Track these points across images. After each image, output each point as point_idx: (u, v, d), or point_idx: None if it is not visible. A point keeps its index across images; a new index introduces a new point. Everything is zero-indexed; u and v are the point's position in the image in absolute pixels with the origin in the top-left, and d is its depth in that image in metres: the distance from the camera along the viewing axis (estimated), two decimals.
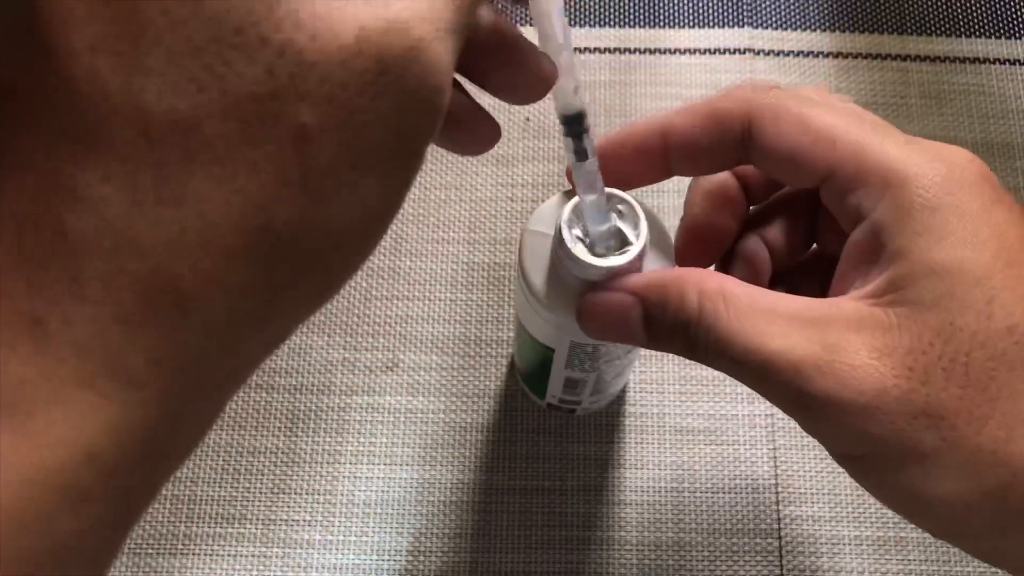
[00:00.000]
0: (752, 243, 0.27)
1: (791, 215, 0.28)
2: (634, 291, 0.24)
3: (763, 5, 0.47)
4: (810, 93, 0.24)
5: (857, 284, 0.22)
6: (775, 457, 0.38)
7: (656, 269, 0.25)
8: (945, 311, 0.20)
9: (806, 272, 0.29)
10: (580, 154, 0.23)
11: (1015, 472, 0.19)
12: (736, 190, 0.27)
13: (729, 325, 0.22)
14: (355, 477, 0.38)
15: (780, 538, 0.37)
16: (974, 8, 0.47)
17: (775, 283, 0.27)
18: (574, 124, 0.23)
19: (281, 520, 0.37)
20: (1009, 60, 0.45)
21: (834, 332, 0.21)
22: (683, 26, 0.46)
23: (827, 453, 0.22)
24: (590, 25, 0.46)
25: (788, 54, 0.46)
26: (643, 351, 0.39)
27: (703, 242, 0.27)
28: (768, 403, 0.24)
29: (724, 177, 0.27)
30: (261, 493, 0.38)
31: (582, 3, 0.47)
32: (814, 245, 0.28)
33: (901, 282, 0.21)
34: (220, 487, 0.38)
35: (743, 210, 0.27)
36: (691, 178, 0.28)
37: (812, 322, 0.21)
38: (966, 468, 0.19)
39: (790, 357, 0.20)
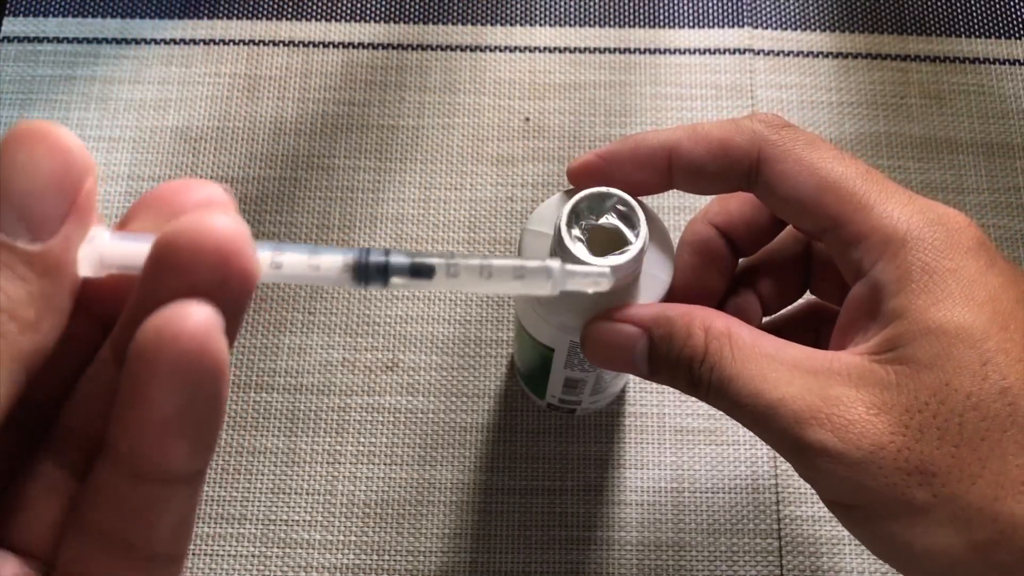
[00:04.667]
0: (741, 300, 0.28)
1: (782, 267, 0.28)
2: (641, 323, 0.24)
3: (763, 5, 0.47)
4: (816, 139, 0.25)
5: (857, 339, 0.23)
6: (775, 457, 0.38)
7: (662, 303, 0.25)
8: (941, 371, 0.21)
9: (798, 325, 0.30)
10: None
11: (1002, 528, 0.20)
12: (722, 248, 0.28)
13: (733, 367, 0.22)
14: (355, 477, 0.38)
15: (780, 538, 0.37)
16: (974, 8, 0.47)
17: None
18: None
19: (281, 520, 0.37)
20: (1009, 60, 0.45)
21: (834, 385, 0.21)
22: (683, 26, 0.46)
23: None
24: (590, 25, 0.46)
25: (788, 54, 0.46)
26: None
27: (691, 301, 0.28)
28: None
29: (710, 234, 0.28)
30: (261, 493, 0.38)
31: (582, 3, 0.47)
32: (806, 294, 0.29)
33: (899, 340, 0.21)
34: (220, 487, 0.38)
35: (729, 267, 0.28)
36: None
37: (813, 373, 0.22)
38: (956, 523, 0.20)
39: (791, 406, 0.21)
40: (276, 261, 0.16)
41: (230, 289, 0.14)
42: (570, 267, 0.19)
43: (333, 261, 0.17)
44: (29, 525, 0.15)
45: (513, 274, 0.18)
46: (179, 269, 0.14)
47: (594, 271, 0.20)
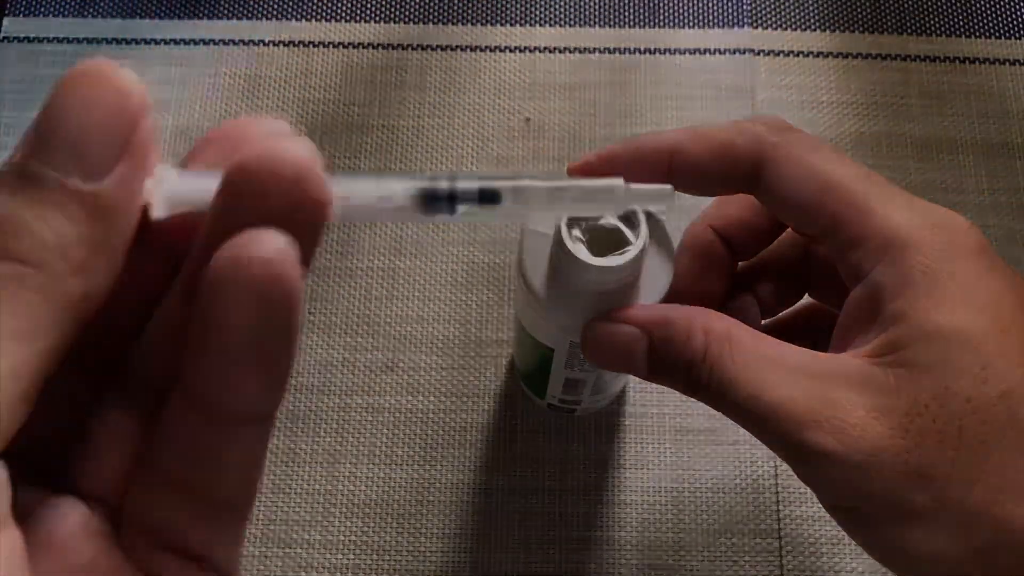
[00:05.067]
0: (741, 302, 0.28)
1: (781, 270, 0.28)
2: (641, 324, 0.24)
3: (763, 5, 0.47)
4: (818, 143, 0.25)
5: (857, 341, 0.23)
6: (775, 457, 0.38)
7: (662, 304, 0.25)
8: (941, 375, 0.21)
9: (797, 328, 0.30)
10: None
11: (1001, 533, 0.20)
12: (721, 251, 0.28)
13: (733, 369, 0.22)
14: (355, 477, 0.38)
15: (780, 538, 0.37)
16: (974, 8, 0.47)
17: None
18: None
19: (281, 520, 0.37)
20: (1009, 60, 0.45)
21: (835, 388, 0.21)
22: (683, 26, 0.46)
23: None
24: (590, 25, 0.46)
25: (788, 54, 0.46)
26: None
27: (690, 304, 0.28)
28: None
29: (710, 238, 0.28)
30: (261, 493, 0.38)
31: (582, 3, 0.47)
32: (805, 297, 0.29)
33: (899, 343, 0.21)
34: None
35: (729, 270, 0.28)
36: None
37: (814, 376, 0.22)
38: (955, 528, 0.20)
39: (791, 409, 0.21)
40: (345, 192, 0.16)
41: (304, 216, 0.14)
42: (633, 186, 0.20)
43: (402, 188, 0.16)
44: (96, 471, 0.15)
45: (579, 196, 0.19)
46: (252, 196, 0.13)
47: (654, 188, 0.21)
